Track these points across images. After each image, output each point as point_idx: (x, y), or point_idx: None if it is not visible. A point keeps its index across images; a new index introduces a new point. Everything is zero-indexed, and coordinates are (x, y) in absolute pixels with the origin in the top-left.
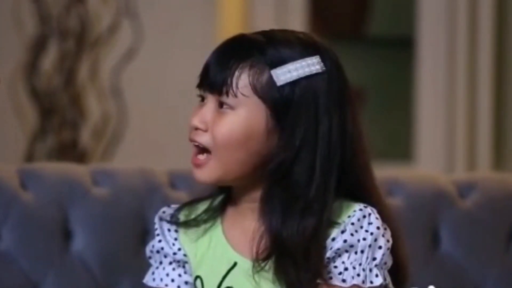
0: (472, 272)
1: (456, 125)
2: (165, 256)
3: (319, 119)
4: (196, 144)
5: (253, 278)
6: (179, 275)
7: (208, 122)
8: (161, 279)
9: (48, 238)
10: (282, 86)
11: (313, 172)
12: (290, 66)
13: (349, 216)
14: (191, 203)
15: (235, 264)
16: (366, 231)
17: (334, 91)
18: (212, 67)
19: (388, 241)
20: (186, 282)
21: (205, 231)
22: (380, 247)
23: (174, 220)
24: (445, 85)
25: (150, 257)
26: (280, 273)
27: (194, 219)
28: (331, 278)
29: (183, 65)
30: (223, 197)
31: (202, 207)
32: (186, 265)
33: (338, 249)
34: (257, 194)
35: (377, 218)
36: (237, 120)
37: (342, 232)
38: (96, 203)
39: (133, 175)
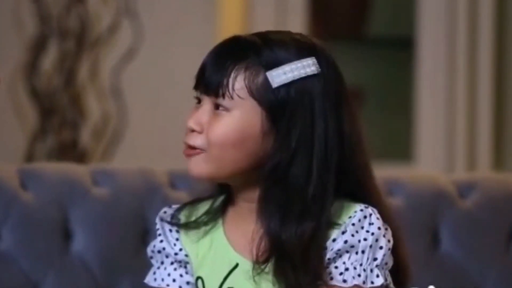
0: (472, 272)
1: (456, 125)
2: (167, 256)
3: (315, 120)
4: (190, 146)
5: (254, 279)
6: (181, 275)
7: (204, 124)
8: (163, 279)
9: (48, 238)
10: (278, 87)
11: (310, 174)
12: (286, 67)
13: (349, 217)
14: (192, 203)
15: (236, 265)
16: (367, 231)
17: (330, 92)
18: (208, 69)
19: (389, 241)
20: (188, 283)
21: (206, 232)
22: (381, 247)
23: (174, 222)
24: (445, 85)
25: (151, 257)
26: (279, 275)
27: (195, 221)
28: (331, 278)
29: (183, 65)
30: (224, 198)
31: (202, 208)
32: (188, 266)
33: (339, 250)
34: (255, 195)
35: (378, 218)
36: (232, 122)
37: (343, 233)
38: (96, 203)
39: (133, 175)
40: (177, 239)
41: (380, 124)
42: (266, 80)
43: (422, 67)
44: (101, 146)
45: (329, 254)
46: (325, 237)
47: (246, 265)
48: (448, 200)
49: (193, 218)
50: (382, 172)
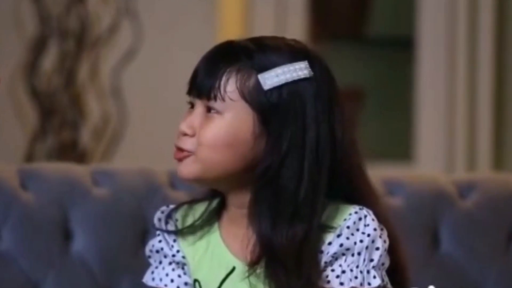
0: (472, 272)
1: (456, 125)
2: (165, 256)
3: (306, 123)
4: (181, 149)
5: (249, 283)
6: (179, 276)
7: (196, 127)
8: (161, 279)
9: (48, 238)
10: (269, 90)
11: (301, 177)
12: (278, 70)
13: (344, 219)
14: (189, 203)
15: (233, 268)
16: (363, 233)
17: (323, 96)
18: (200, 73)
19: (385, 241)
20: (186, 283)
21: (202, 235)
22: (377, 248)
23: (170, 228)
24: (445, 85)
25: (149, 257)
26: (271, 279)
27: (191, 225)
28: (328, 282)
29: (183, 65)
30: (219, 201)
31: (199, 209)
32: (185, 267)
33: (335, 253)
34: (246, 200)
35: (373, 220)
36: (224, 124)
37: (338, 236)
38: (96, 203)
39: (133, 175)
40: (174, 241)
41: (380, 124)
42: (258, 82)
43: (422, 67)
44: (101, 146)
45: (325, 258)
46: (320, 241)
47: (242, 268)
48: (448, 200)
49: (189, 219)
50: (382, 172)
